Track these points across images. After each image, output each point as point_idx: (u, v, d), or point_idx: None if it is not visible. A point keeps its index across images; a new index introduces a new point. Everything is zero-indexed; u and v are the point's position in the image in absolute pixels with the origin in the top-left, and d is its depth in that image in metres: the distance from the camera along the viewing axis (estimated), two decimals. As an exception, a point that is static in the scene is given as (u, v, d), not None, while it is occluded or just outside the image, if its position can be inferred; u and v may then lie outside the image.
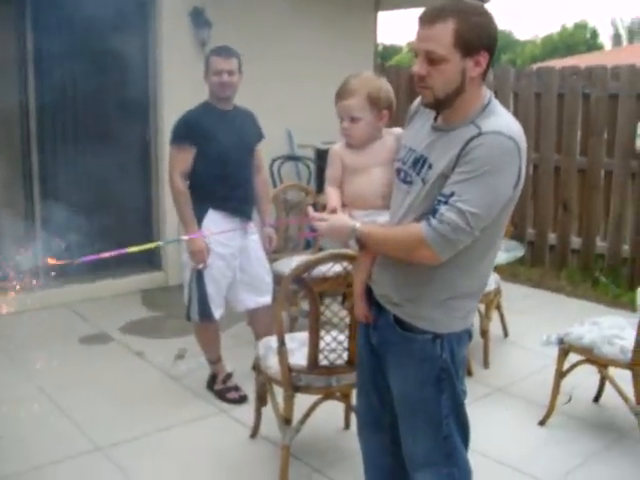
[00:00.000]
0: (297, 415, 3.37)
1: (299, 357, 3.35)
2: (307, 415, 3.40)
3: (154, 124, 6.46)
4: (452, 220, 2.06)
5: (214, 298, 4.14)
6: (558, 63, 7.86)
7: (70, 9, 5.52)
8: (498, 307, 5.19)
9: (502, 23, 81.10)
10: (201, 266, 3.99)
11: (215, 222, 4.06)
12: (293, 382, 3.31)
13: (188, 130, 3.99)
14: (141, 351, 4.98)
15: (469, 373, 4.61)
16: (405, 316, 2.32)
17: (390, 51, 39.40)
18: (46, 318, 5.58)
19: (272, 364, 3.42)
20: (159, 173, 6.45)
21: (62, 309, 5.79)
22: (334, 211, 2.41)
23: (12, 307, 5.59)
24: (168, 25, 6.27)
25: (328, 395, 3.43)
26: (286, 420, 3.33)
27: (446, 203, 2.08)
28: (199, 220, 4.07)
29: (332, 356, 3.28)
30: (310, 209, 2.51)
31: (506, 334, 5.37)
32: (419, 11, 2.17)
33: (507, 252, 4.97)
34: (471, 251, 2.19)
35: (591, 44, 46.72)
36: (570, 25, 50.87)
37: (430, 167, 2.18)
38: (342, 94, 2.48)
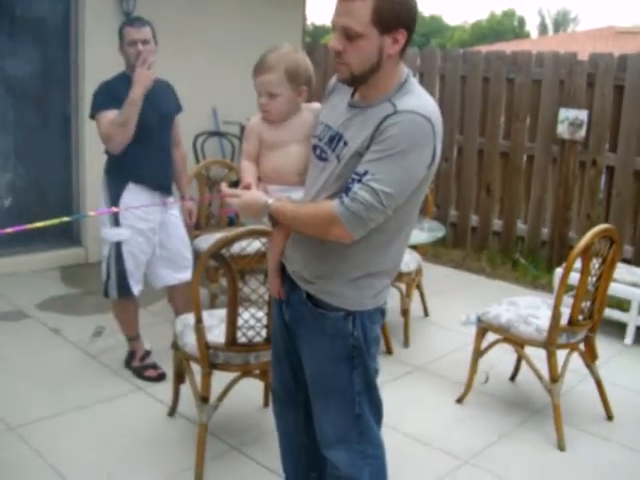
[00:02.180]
0: (215, 393, 3.35)
1: (217, 334, 3.32)
2: (225, 393, 3.38)
3: (75, 97, 6.26)
4: (365, 199, 2.05)
5: (133, 274, 4.08)
6: (486, 49, 7.96)
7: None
8: (419, 287, 5.25)
9: (432, 7, 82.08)
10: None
11: (135, 196, 3.99)
12: (210, 359, 3.28)
13: (108, 98, 3.87)
14: (58, 328, 4.86)
15: (389, 352, 4.67)
16: (317, 293, 2.31)
17: (321, 31, 39.34)
18: (-41, 294, 5.42)
19: (189, 341, 3.38)
20: (79, 147, 6.29)
21: (-24, 285, 5.63)
22: (248, 187, 2.37)
23: None
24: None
25: (246, 372, 3.41)
26: (203, 398, 3.29)
27: (359, 181, 2.06)
28: (118, 195, 3.99)
29: (250, 333, 3.26)
30: (223, 185, 2.48)
31: (426, 314, 5.44)
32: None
33: (428, 232, 5.02)
34: (384, 230, 2.18)
35: (518, 32, 47.62)
36: (499, 13, 51.72)
37: (345, 144, 2.17)
38: (259, 69, 2.41)
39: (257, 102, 2.44)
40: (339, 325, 2.29)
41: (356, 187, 2.06)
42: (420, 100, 2.13)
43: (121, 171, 3.99)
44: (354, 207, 2.06)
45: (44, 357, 4.42)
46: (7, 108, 5.96)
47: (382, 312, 2.39)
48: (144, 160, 3.95)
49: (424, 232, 4.96)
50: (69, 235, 6.44)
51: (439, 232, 5.12)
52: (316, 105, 2.50)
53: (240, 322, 3.23)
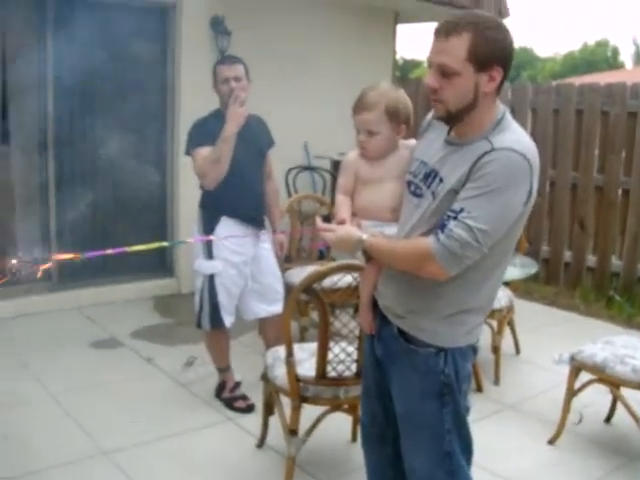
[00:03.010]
0: (304, 426, 3.36)
1: (307, 367, 3.34)
2: (314, 426, 3.38)
3: (171, 133, 6.46)
4: (460, 236, 2.05)
5: (225, 306, 4.14)
6: (578, 80, 7.89)
7: (92, 14, 5.56)
8: (510, 324, 5.16)
9: (523, 39, 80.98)
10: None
11: (228, 229, 4.07)
12: (300, 392, 3.30)
13: (202, 135, 3.99)
14: (151, 357, 4.98)
15: (480, 389, 4.59)
16: (408, 328, 2.31)
17: (410, 65, 39.35)
18: (57, 321, 5.61)
19: (280, 374, 3.41)
20: (174, 179, 6.48)
21: (74, 312, 5.81)
22: (342, 222, 2.39)
23: (24, 309, 5.62)
24: (188, 33, 6.27)
25: (335, 407, 3.41)
26: (292, 431, 3.31)
27: (455, 219, 2.06)
28: (212, 229, 4.07)
29: (340, 367, 3.27)
30: (318, 220, 2.50)
31: (518, 351, 5.33)
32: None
33: (521, 268, 4.94)
34: (479, 267, 2.17)
35: (612, 62, 46.53)
36: (591, 43, 50.73)
37: (441, 181, 2.17)
38: (359, 107, 2.43)
39: (356, 139, 2.45)
40: (430, 362, 2.28)
41: (452, 224, 2.06)
42: (517, 137, 2.12)
43: (215, 205, 4.08)
44: (450, 244, 2.06)
45: (137, 385, 4.53)
46: (107, 142, 6.16)
47: (474, 349, 2.37)
48: (237, 194, 4.02)
49: (516, 268, 4.88)
50: (163, 266, 6.62)
51: (531, 268, 5.04)
52: (412, 142, 2.51)
53: (330, 356, 3.25)
